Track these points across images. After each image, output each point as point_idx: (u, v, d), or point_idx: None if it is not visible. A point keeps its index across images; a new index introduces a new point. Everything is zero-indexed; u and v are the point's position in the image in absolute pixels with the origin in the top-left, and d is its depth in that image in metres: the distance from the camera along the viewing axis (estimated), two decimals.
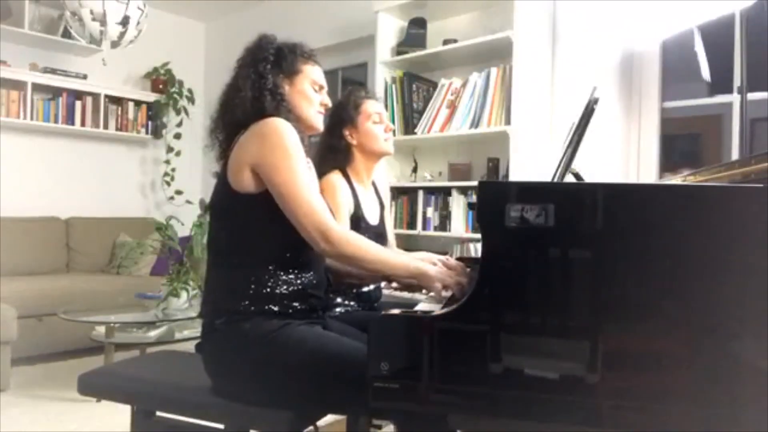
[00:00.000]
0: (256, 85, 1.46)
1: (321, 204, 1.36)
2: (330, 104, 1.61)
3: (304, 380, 1.30)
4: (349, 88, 2.19)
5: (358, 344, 1.32)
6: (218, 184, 1.46)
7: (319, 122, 1.58)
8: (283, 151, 1.35)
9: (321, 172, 1.93)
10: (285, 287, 1.39)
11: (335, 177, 1.93)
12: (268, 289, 1.38)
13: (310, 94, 1.54)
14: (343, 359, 1.28)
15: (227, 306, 1.39)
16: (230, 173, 1.40)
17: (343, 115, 1.99)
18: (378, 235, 1.95)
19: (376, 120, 2.00)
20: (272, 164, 1.34)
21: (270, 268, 1.38)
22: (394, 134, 2.11)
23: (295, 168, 1.34)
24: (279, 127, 1.37)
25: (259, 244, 1.40)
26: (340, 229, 1.34)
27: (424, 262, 1.38)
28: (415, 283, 1.44)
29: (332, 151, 1.99)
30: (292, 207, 1.33)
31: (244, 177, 1.37)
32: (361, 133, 1.98)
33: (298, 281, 1.41)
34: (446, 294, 1.33)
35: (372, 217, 2.00)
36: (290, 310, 1.38)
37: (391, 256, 1.40)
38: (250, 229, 1.40)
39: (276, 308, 1.37)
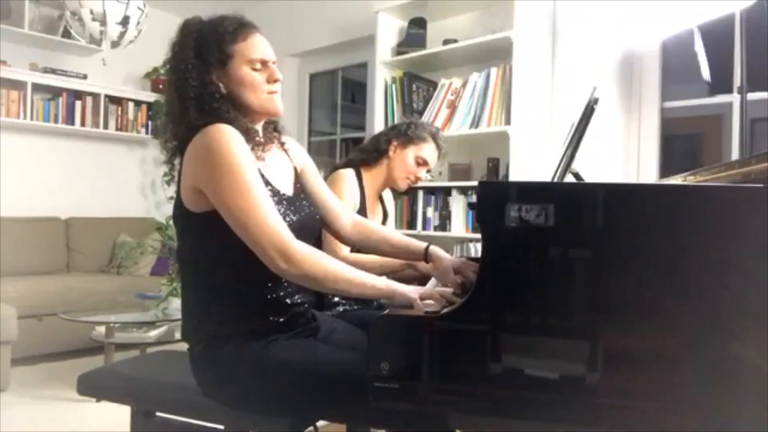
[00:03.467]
0: (181, 93, 1.28)
1: (276, 219, 1.20)
2: (281, 78, 1.35)
3: (296, 398, 1.25)
4: (433, 127, 2.15)
5: (352, 355, 1.27)
6: (176, 199, 1.34)
7: (273, 105, 1.35)
8: (220, 169, 1.19)
9: (341, 164, 1.99)
10: (260, 302, 1.29)
11: (347, 172, 1.95)
12: (243, 307, 1.28)
13: (250, 78, 1.31)
14: (336, 373, 1.22)
15: (204, 330, 1.30)
16: (182, 193, 1.29)
17: (409, 132, 2.05)
18: None
19: (420, 162, 2.08)
20: (212, 186, 1.20)
21: (240, 284, 1.27)
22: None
23: (238, 186, 1.18)
24: (211, 141, 1.21)
25: (225, 261, 1.27)
26: (301, 247, 1.19)
27: (395, 283, 1.24)
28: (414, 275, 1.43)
29: (371, 147, 2.05)
30: (243, 229, 1.18)
31: (192, 198, 1.26)
32: (400, 159, 2.05)
33: (275, 294, 1.30)
34: (431, 303, 1.19)
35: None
36: (270, 326, 1.29)
37: (359, 276, 1.21)
38: (212, 247, 1.28)
39: (256, 326, 1.28)
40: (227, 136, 1.22)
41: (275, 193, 1.33)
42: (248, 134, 1.31)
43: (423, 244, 1.55)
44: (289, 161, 1.51)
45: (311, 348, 1.32)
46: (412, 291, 1.20)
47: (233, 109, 1.30)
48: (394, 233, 1.68)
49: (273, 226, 1.19)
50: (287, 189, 1.41)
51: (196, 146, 1.24)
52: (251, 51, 1.32)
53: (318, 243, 1.47)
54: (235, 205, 1.18)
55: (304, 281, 1.22)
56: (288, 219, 1.30)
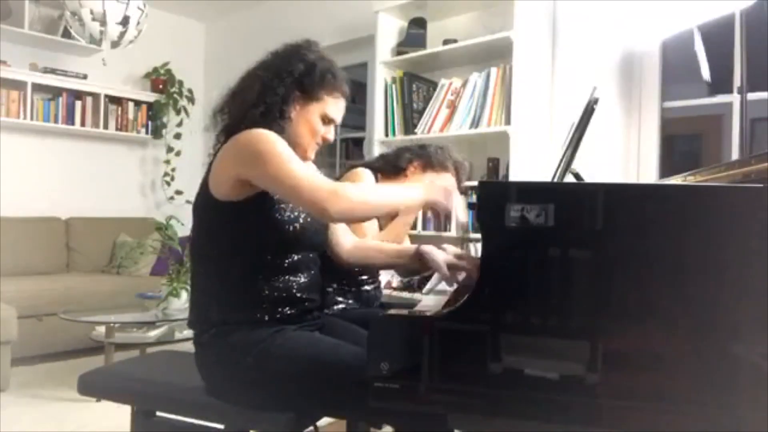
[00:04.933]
0: (262, 96, 1.39)
1: (318, 176, 1.30)
2: (332, 140, 1.49)
3: (299, 389, 1.27)
4: (460, 160, 2.08)
5: (356, 349, 1.29)
6: (201, 188, 1.40)
7: (310, 154, 1.48)
8: (269, 152, 1.27)
9: (359, 164, 1.99)
10: (273, 293, 1.35)
11: (367, 171, 1.94)
12: (255, 296, 1.34)
13: (316, 126, 1.44)
14: (340, 366, 1.25)
15: (214, 317, 1.35)
16: (211, 182, 1.35)
17: (432, 156, 1.98)
18: None
19: None
20: (260, 168, 1.27)
21: (255, 274, 1.33)
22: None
23: (283, 160, 1.26)
24: (261, 134, 1.30)
25: (243, 251, 1.34)
26: (344, 185, 1.27)
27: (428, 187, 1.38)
28: (417, 267, 1.45)
29: (392, 159, 2.01)
30: (295, 189, 1.24)
31: (225, 187, 1.32)
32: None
33: (287, 286, 1.36)
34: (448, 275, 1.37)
35: None
36: (279, 316, 1.34)
37: (395, 192, 1.37)
38: (231, 236, 1.34)
39: (265, 316, 1.33)
40: (274, 134, 1.32)
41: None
42: None
43: (413, 247, 1.57)
44: None
45: (317, 340, 1.35)
46: (443, 202, 1.32)
47: (284, 133, 1.39)
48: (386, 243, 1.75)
49: (319, 179, 1.26)
50: None
51: (244, 137, 1.31)
52: (333, 109, 1.45)
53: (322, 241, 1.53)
54: (284, 173, 1.24)
55: (360, 209, 1.27)
56: (302, 217, 1.38)
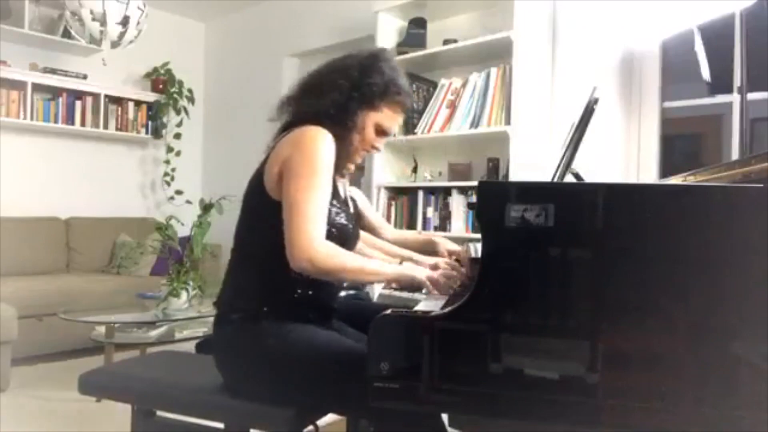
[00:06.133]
0: (334, 101, 1.42)
1: (317, 222, 1.30)
2: (381, 150, 1.55)
3: (310, 377, 1.31)
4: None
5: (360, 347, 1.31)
6: (253, 180, 1.43)
7: (356, 161, 1.52)
8: (311, 162, 1.31)
9: None
10: (303, 295, 1.40)
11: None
12: (287, 296, 1.39)
13: (370, 135, 1.48)
14: (349, 359, 1.27)
15: (244, 305, 1.40)
16: (266, 175, 1.38)
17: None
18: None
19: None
20: (295, 171, 1.31)
21: (291, 275, 1.33)
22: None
23: (306, 189, 1.30)
24: (317, 137, 1.34)
25: (283, 251, 1.34)
26: (323, 248, 1.28)
27: (407, 268, 1.41)
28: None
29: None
30: (289, 212, 1.29)
31: (275, 182, 1.36)
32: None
33: (316, 291, 1.41)
34: (437, 290, 1.36)
35: None
36: (302, 316, 1.39)
37: (369, 266, 1.35)
38: (276, 234, 1.34)
39: (292, 314, 1.38)
40: (329, 141, 1.35)
41: (338, 200, 1.48)
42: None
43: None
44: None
45: (332, 333, 1.41)
46: (418, 275, 1.35)
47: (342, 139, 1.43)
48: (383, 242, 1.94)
49: (318, 227, 1.29)
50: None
51: (299, 135, 1.36)
52: (390, 122, 1.49)
53: (353, 245, 1.59)
54: (300, 197, 1.29)
55: (324, 275, 1.31)
56: (339, 219, 1.44)
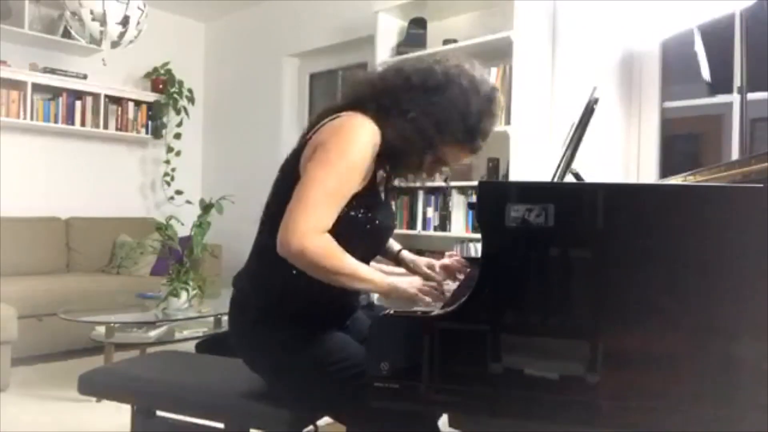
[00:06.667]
0: (405, 106, 1.30)
1: (327, 212, 1.21)
2: (442, 175, 1.50)
3: (307, 388, 1.29)
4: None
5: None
6: (291, 157, 1.33)
7: (423, 174, 1.44)
8: (342, 148, 1.22)
9: None
10: (322, 297, 1.31)
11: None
12: (306, 297, 1.31)
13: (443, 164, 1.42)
14: (352, 364, 1.25)
15: (259, 303, 1.35)
16: (302, 158, 1.28)
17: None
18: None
19: None
20: (323, 154, 1.22)
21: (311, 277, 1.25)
22: None
23: (334, 169, 1.20)
24: (360, 126, 1.25)
25: None
26: (318, 240, 1.19)
27: (397, 280, 1.28)
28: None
29: None
30: (298, 198, 1.19)
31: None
32: None
33: (337, 293, 1.31)
34: (428, 301, 1.25)
35: None
36: (319, 318, 1.34)
37: (361, 269, 1.25)
38: None
39: (308, 316, 1.33)
40: (369, 130, 1.26)
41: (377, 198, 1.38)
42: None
43: (397, 247, 1.62)
44: None
45: (346, 336, 1.36)
46: (408, 287, 1.25)
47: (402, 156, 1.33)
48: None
49: (321, 219, 1.19)
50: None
51: (342, 120, 1.27)
52: (454, 159, 1.42)
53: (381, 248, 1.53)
54: (314, 175, 1.20)
55: (311, 269, 1.21)
56: (377, 217, 1.34)
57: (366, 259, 1.36)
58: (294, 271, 1.23)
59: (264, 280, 1.36)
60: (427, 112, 1.30)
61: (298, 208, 1.19)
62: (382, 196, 1.45)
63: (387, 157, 1.32)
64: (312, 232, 1.17)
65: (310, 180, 1.20)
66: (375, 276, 1.25)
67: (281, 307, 1.33)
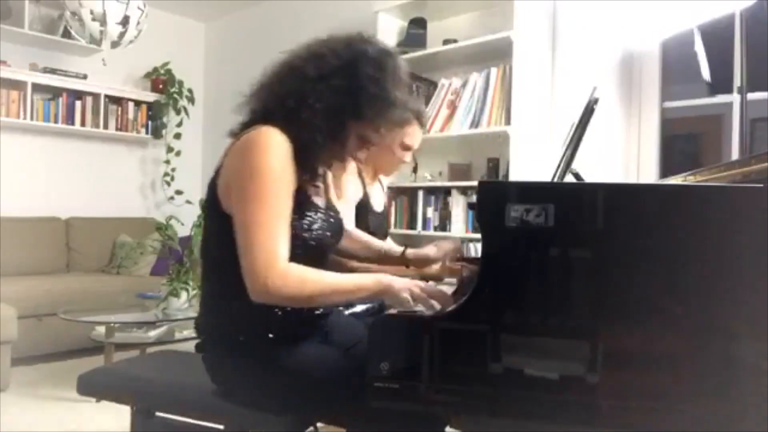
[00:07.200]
0: (307, 102, 1.24)
1: (278, 243, 1.15)
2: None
3: (302, 398, 1.26)
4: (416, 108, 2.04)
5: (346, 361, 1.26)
6: (210, 187, 1.30)
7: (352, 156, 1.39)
8: (257, 177, 1.17)
9: None
10: (285, 310, 1.26)
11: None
12: (266, 313, 1.23)
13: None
14: (341, 372, 1.23)
15: (221, 329, 1.30)
16: (219, 187, 1.26)
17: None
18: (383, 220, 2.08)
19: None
20: (242, 189, 1.18)
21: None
22: None
23: (262, 203, 1.15)
24: (263, 143, 1.19)
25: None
26: (284, 270, 1.14)
27: (386, 277, 1.20)
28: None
29: None
30: (245, 244, 1.15)
31: (225, 196, 1.24)
32: (382, 148, 1.92)
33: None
34: (417, 306, 1.18)
35: (378, 204, 2.08)
36: (290, 334, 1.28)
37: (343, 284, 1.19)
38: (233, 247, 1.21)
39: (274, 334, 1.27)
40: (276, 141, 1.21)
41: (313, 207, 1.32)
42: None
43: (399, 249, 1.60)
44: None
45: (323, 347, 1.32)
46: (402, 287, 1.17)
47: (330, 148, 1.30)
48: (373, 239, 1.76)
49: (268, 250, 1.14)
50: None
51: (245, 142, 1.22)
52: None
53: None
54: (247, 217, 1.16)
55: (289, 302, 1.19)
56: (315, 228, 1.29)
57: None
58: (252, 305, 1.17)
59: (224, 329, 1.30)
60: (330, 98, 1.25)
61: (251, 255, 1.14)
62: (321, 202, 1.38)
63: (304, 154, 1.26)
64: (274, 271, 1.13)
65: (247, 223, 1.16)
66: (361, 280, 1.20)
67: (251, 339, 1.27)
